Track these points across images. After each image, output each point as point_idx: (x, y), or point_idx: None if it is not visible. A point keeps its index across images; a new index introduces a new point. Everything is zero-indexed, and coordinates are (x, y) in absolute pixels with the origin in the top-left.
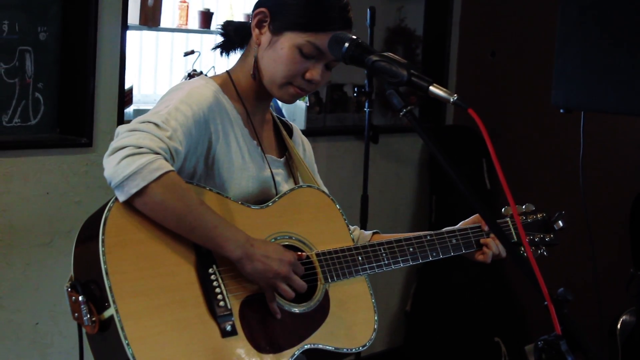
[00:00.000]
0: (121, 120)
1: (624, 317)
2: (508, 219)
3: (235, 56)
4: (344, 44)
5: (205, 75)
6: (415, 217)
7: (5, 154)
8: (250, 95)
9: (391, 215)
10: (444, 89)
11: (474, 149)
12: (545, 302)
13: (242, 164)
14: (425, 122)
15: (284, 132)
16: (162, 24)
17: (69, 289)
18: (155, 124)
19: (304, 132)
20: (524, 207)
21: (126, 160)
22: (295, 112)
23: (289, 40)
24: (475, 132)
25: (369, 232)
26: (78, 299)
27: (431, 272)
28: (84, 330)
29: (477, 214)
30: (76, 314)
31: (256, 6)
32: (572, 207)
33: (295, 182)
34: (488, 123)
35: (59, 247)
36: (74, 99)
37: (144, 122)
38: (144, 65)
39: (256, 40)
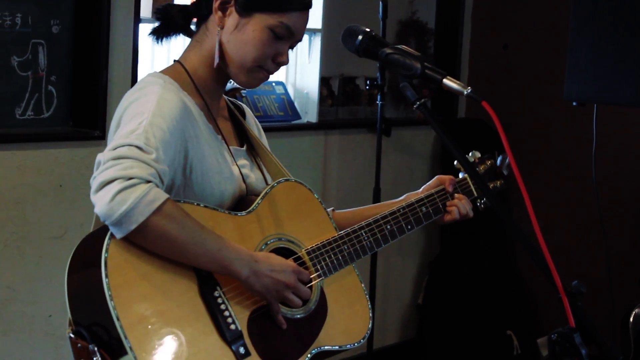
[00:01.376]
0: None
1: (636, 310)
2: (466, 175)
3: (175, 43)
4: (358, 36)
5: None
6: None
7: (18, 146)
8: (207, 85)
9: None
10: (458, 82)
11: (486, 142)
12: (559, 295)
13: (217, 167)
14: (437, 115)
15: (239, 116)
16: None
17: (72, 336)
18: (139, 147)
19: (316, 125)
20: (470, 154)
21: (120, 195)
22: (308, 105)
23: (260, 22)
24: (487, 125)
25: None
26: (87, 346)
27: (443, 265)
28: None
29: (437, 176)
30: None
31: None
32: (585, 200)
33: (260, 170)
34: (500, 116)
35: (72, 239)
36: (87, 91)
37: (125, 146)
38: (156, 58)
39: (219, 23)
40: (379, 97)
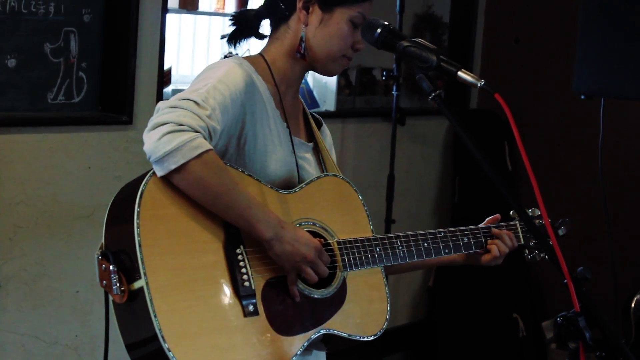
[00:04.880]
0: (160, 99)
1: (638, 296)
2: (517, 222)
3: (245, 46)
4: (377, 29)
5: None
6: (439, 196)
7: (49, 129)
8: (283, 76)
9: (416, 194)
10: (472, 74)
11: (496, 132)
12: (565, 280)
13: (272, 146)
14: (450, 105)
15: (312, 122)
16: (200, 8)
17: (99, 257)
18: (196, 102)
19: (334, 113)
20: (529, 211)
21: (167, 136)
22: (326, 94)
23: (342, 15)
24: (498, 116)
25: None
26: (109, 267)
27: None
28: (110, 298)
29: (492, 217)
30: (104, 282)
31: None
32: (590, 190)
33: (321, 170)
34: (510, 108)
35: (99, 219)
36: (116, 78)
37: (184, 100)
38: (182, 47)
39: (304, 21)
40: (394, 87)
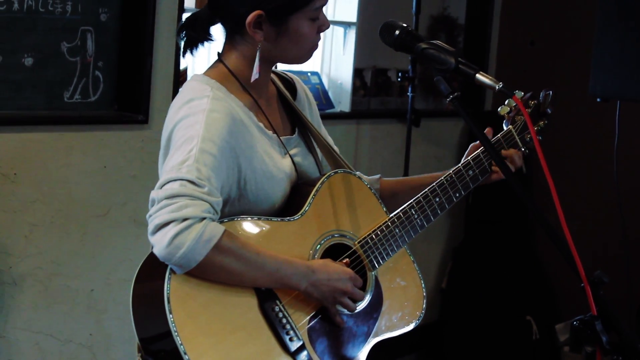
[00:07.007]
0: None
1: None
2: (510, 127)
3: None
4: (395, 31)
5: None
6: None
7: (66, 128)
8: (253, 84)
9: None
10: (490, 77)
11: None
12: (582, 284)
13: (270, 172)
14: (465, 107)
15: (289, 97)
16: None
17: None
18: (191, 182)
19: (349, 114)
20: (506, 102)
21: (177, 240)
22: (341, 95)
23: (299, 19)
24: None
25: (375, 177)
26: None
27: (467, 252)
28: None
29: (472, 145)
30: None
31: (241, 12)
32: (606, 193)
33: (312, 153)
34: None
35: (114, 218)
36: (132, 77)
37: (177, 181)
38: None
39: (259, 39)
40: (409, 88)
